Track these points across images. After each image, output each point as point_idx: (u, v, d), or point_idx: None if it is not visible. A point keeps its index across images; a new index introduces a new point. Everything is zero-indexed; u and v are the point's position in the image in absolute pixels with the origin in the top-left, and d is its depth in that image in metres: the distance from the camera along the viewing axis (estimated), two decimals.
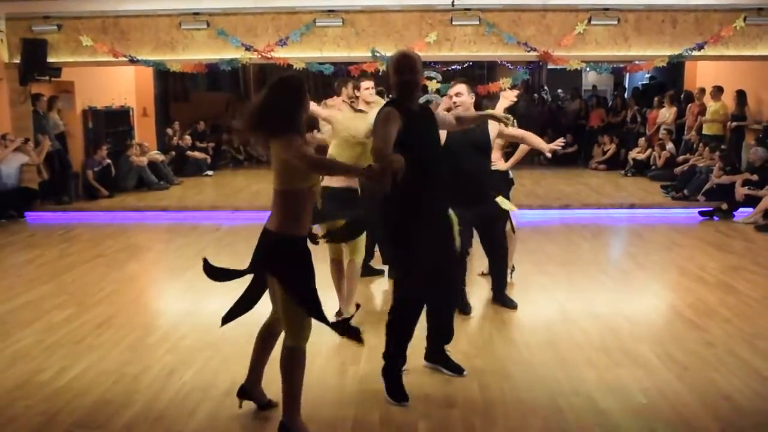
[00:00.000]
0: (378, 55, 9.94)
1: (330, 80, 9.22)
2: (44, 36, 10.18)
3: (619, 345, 4.69)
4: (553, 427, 3.58)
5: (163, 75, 13.49)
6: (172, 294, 6.25)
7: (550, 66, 11.22)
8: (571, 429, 3.57)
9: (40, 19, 10.20)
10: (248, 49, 10.13)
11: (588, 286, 6.23)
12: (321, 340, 4.84)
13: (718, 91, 11.65)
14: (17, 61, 10.20)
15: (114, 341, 4.83)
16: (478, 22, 9.87)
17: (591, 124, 14.93)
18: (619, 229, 9.09)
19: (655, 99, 13.65)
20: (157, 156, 12.57)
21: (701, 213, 9.32)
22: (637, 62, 10.57)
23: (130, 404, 3.82)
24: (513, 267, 6.34)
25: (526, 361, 4.44)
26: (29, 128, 10.37)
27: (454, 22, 9.89)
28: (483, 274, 6.36)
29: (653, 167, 12.57)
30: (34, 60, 10.08)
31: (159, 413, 3.74)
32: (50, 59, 10.22)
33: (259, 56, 10.18)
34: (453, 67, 15.03)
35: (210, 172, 13.69)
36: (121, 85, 12.98)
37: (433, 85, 9.88)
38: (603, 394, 3.93)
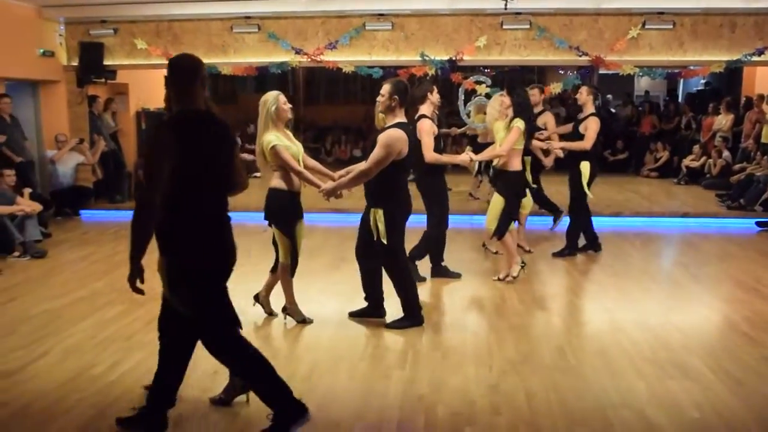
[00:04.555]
0: (427, 58, 9.92)
1: (379, 83, 9.24)
2: (101, 39, 10.47)
3: (671, 357, 4.56)
4: None
5: (212, 77, 13.69)
6: None
7: (602, 71, 11.03)
8: None
9: (98, 23, 10.48)
10: (298, 52, 10.22)
11: (638, 295, 6.09)
12: (366, 342, 4.86)
13: None
14: (75, 63, 10.50)
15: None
16: (528, 26, 9.77)
17: (642, 130, 14.62)
18: (671, 238, 8.88)
19: (711, 105, 13.29)
20: None
21: (758, 224, 9.03)
22: (692, 67, 10.31)
23: (179, 400, 3.87)
24: (524, 263, 6.41)
25: (574, 370, 4.36)
26: (85, 129, 10.66)
27: (504, 26, 9.81)
28: (499, 280, 6.32)
29: (707, 175, 12.24)
30: (91, 63, 10.37)
31: (206, 410, 3.78)
32: (106, 62, 10.49)
33: (309, 59, 10.27)
34: (505, 68, 14.90)
35: (258, 173, 13.83)
36: None
37: (482, 90, 9.82)
38: (654, 407, 3.83)
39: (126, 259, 3.29)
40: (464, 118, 9.07)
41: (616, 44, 9.72)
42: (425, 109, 6.08)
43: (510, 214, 6.18)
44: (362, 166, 4.94)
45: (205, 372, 4.28)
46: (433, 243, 6.41)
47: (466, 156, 6.00)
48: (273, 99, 4.95)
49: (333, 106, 18.87)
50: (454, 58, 9.94)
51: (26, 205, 7.81)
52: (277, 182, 5.00)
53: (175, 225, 3.23)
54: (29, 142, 9.74)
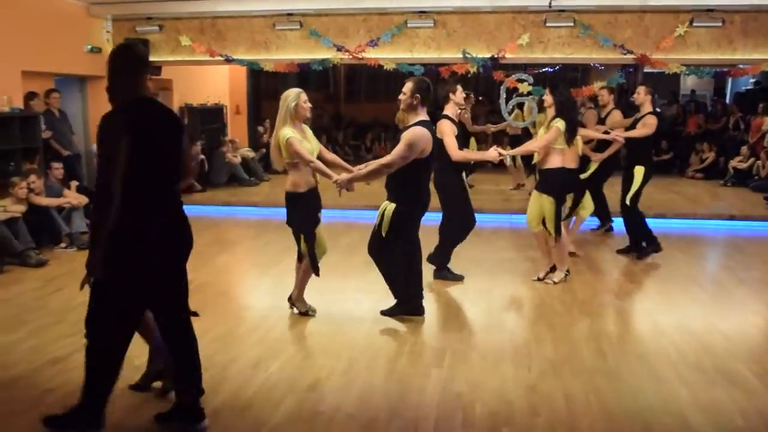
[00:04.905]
0: (469, 56, 9.87)
1: None
2: (147, 36, 10.67)
3: (715, 362, 4.46)
4: None
5: (255, 74, 13.85)
6: (260, 287, 6.39)
7: (647, 69, 10.83)
8: None
9: (144, 20, 10.69)
10: (339, 49, 10.27)
11: (682, 299, 5.97)
12: (404, 340, 4.85)
13: None
14: None
15: (203, 331, 4.93)
16: (572, 24, 9.65)
17: (688, 130, 14.33)
18: (716, 241, 8.67)
19: (760, 105, 12.94)
20: (248, 153, 12.93)
21: None
22: (741, 66, 10.05)
23: (218, 392, 3.93)
24: (568, 271, 6.32)
25: (615, 373, 4.29)
26: None
27: (547, 24, 9.71)
28: (539, 279, 6.24)
29: (755, 177, 11.93)
30: None
31: (246, 403, 3.83)
32: (151, 58, 10.66)
33: (350, 56, 10.30)
34: (544, 69, 14.75)
35: None
36: (216, 83, 13.43)
37: (524, 88, 9.72)
38: (696, 413, 3.75)
39: None
40: (505, 117, 9.00)
41: (663, 42, 9.54)
42: (449, 109, 6.06)
43: (559, 211, 6.14)
44: (384, 159, 4.98)
45: (246, 365, 4.34)
46: (451, 242, 6.38)
47: (494, 152, 5.93)
48: (294, 96, 4.97)
49: (373, 103, 18.89)
50: (496, 56, 9.87)
51: (73, 197, 8.00)
52: (290, 186, 5.03)
53: (124, 214, 3.17)
54: (76, 136, 9.97)
